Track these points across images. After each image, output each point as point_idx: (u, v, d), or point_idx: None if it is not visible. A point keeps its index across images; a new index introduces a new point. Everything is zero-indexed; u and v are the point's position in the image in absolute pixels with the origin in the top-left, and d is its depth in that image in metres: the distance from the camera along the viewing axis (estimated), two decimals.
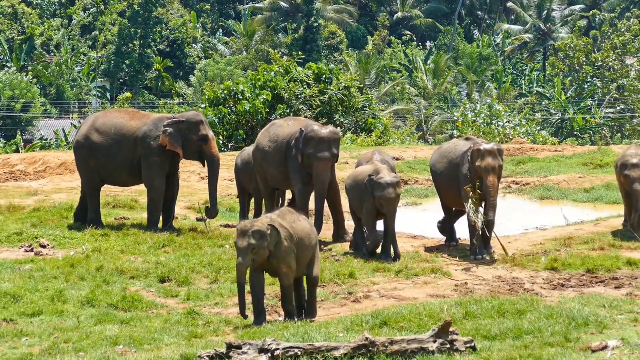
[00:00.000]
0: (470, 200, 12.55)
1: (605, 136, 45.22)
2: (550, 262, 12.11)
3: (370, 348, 8.08)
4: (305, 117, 27.95)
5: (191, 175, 19.59)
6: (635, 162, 13.43)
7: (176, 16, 65.39)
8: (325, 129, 13.53)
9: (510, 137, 31.44)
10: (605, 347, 8.11)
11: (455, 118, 36.78)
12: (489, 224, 12.66)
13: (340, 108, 28.78)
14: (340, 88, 28.71)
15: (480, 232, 12.58)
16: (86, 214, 14.02)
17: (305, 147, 13.38)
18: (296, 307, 9.81)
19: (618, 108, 49.18)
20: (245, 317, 9.52)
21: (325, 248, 13.23)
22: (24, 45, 57.78)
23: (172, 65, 61.23)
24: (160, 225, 13.89)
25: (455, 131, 37.61)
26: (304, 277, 9.93)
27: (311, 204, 13.78)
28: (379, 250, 12.70)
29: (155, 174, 13.81)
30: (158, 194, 13.78)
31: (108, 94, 60.74)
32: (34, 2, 65.27)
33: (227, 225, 14.35)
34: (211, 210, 13.93)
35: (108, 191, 15.17)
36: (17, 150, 39.54)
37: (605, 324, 8.96)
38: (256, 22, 63.71)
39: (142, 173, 13.88)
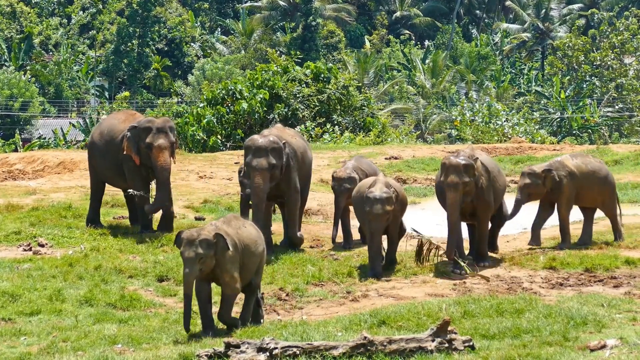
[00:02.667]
0: None
1: (603, 135, 45.21)
2: (549, 261, 12.11)
3: (368, 347, 8.08)
4: (304, 116, 28.00)
5: (190, 175, 19.58)
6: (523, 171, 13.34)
7: (174, 15, 65.37)
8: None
9: (509, 136, 31.45)
10: (604, 347, 8.11)
11: (454, 117, 36.79)
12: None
13: (339, 107, 28.78)
14: (339, 87, 28.71)
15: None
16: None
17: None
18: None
19: (617, 107, 49.20)
20: (188, 330, 9.10)
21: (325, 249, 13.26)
22: (22, 44, 57.78)
23: (171, 64, 61.22)
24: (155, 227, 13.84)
25: (453, 130, 37.63)
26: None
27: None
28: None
29: (134, 178, 13.68)
30: (142, 199, 13.67)
31: (107, 93, 60.73)
32: (33, 1, 65.27)
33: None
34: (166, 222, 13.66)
35: (107, 191, 15.11)
36: (15, 150, 39.54)
37: (603, 323, 8.96)
38: (254, 21, 63.69)
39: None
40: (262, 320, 9.72)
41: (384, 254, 12.30)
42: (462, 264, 11.78)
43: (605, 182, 13.29)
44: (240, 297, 9.67)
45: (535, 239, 13.20)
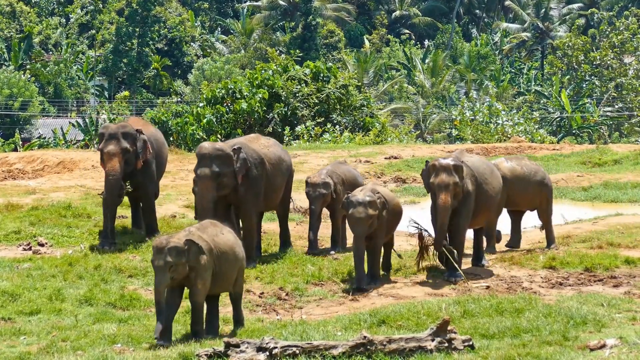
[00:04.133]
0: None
1: (603, 135, 45.23)
2: (549, 260, 12.11)
3: (368, 347, 8.07)
4: (303, 115, 28.00)
5: (190, 174, 19.57)
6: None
7: (174, 15, 65.38)
8: None
9: (509, 135, 31.45)
10: (603, 346, 8.11)
11: (454, 117, 36.79)
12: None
13: (338, 107, 28.79)
14: (338, 87, 28.71)
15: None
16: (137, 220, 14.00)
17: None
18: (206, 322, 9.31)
19: (616, 107, 49.20)
20: (159, 339, 8.86)
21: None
22: (22, 43, 57.77)
23: (170, 64, 61.22)
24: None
25: (453, 130, 37.63)
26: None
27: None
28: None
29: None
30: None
31: (106, 93, 60.74)
32: (32, 1, 65.27)
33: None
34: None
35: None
36: (15, 149, 39.54)
37: (603, 322, 8.96)
38: (254, 21, 63.71)
39: None
40: (217, 332, 9.35)
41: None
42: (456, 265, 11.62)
43: (541, 186, 13.08)
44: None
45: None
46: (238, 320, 9.54)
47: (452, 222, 11.67)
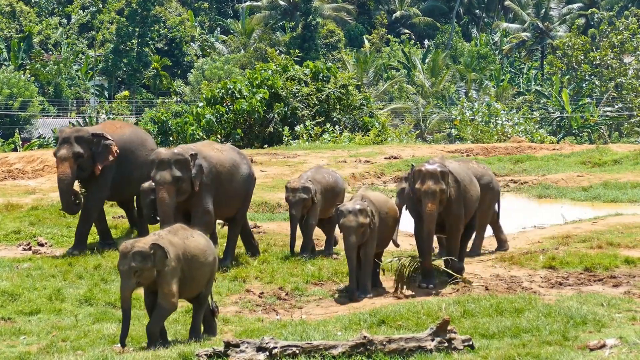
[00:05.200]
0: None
1: (603, 135, 45.24)
2: (549, 260, 12.10)
3: (368, 347, 8.07)
4: (303, 115, 27.99)
5: None
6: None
7: (174, 15, 65.38)
8: None
9: (509, 135, 31.45)
10: (603, 346, 8.11)
11: (454, 117, 36.79)
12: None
13: (338, 106, 28.79)
14: (338, 86, 28.72)
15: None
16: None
17: None
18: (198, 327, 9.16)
19: (616, 107, 49.21)
20: (124, 345, 8.72)
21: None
22: (22, 43, 57.78)
23: (170, 63, 61.23)
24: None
25: (453, 130, 37.63)
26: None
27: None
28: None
29: None
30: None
31: (106, 93, 60.74)
32: (32, 1, 65.26)
33: (225, 224, 14.34)
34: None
35: None
36: (15, 149, 39.55)
37: (603, 322, 8.96)
38: (254, 21, 63.70)
39: None
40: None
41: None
42: (447, 271, 11.41)
43: (486, 189, 12.67)
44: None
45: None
46: (194, 325, 9.21)
47: (441, 229, 11.40)
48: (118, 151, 12.88)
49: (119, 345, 8.85)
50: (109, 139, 12.82)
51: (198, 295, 9.11)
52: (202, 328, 9.26)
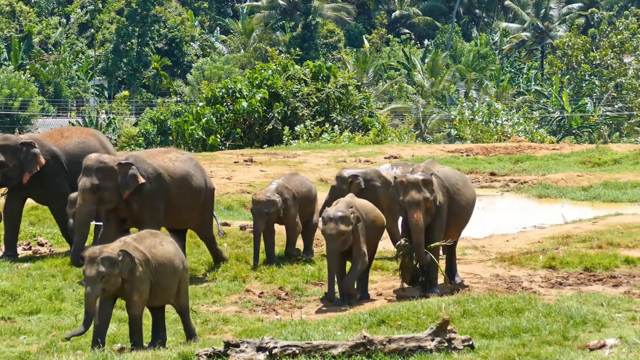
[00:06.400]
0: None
1: (603, 134, 45.24)
2: (548, 260, 12.10)
3: (368, 347, 8.07)
4: (303, 115, 28.01)
5: None
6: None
7: (174, 14, 65.36)
8: None
9: (508, 135, 31.47)
10: (603, 346, 8.10)
11: (453, 117, 36.81)
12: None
13: (338, 106, 28.81)
14: (338, 86, 28.73)
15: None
16: None
17: None
18: (152, 336, 9.00)
19: (616, 106, 49.22)
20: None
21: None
22: (22, 43, 57.77)
23: (170, 63, 61.22)
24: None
25: (453, 130, 37.64)
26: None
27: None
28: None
29: None
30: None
31: (106, 93, 60.73)
32: (32, 1, 65.25)
33: (225, 224, 14.33)
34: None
35: None
36: None
37: (603, 322, 8.96)
38: (254, 21, 63.70)
39: None
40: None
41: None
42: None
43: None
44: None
45: None
46: (189, 333, 9.12)
47: (427, 238, 10.95)
48: (43, 161, 12.47)
49: (119, 345, 8.85)
50: (36, 148, 12.46)
51: (178, 305, 8.97)
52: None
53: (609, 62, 50.71)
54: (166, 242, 8.92)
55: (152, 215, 11.44)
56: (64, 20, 65.00)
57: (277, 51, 39.27)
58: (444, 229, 11.12)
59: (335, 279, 10.80)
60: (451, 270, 11.54)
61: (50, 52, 59.83)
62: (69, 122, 47.31)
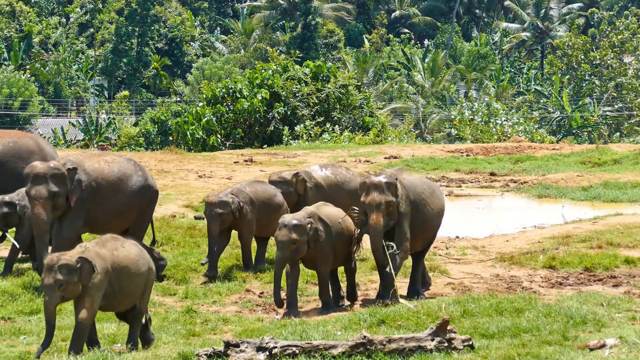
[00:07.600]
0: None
1: (603, 134, 45.25)
2: (549, 260, 12.11)
3: (368, 346, 8.07)
4: (303, 115, 28.01)
5: (189, 174, 19.59)
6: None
7: (174, 14, 65.36)
8: None
9: (508, 135, 31.47)
10: (603, 346, 8.11)
11: (453, 117, 36.82)
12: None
13: (338, 106, 28.82)
14: (338, 86, 28.74)
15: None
16: None
17: None
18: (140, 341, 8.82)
19: (616, 106, 49.23)
20: (38, 357, 8.28)
21: None
22: (22, 43, 57.77)
23: (170, 63, 61.23)
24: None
25: (453, 130, 37.66)
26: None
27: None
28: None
29: None
30: None
31: (106, 93, 60.75)
32: (32, 1, 65.25)
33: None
34: None
35: None
36: None
37: (603, 322, 8.96)
38: (254, 21, 63.70)
39: None
40: (152, 341, 8.92)
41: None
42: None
43: (353, 195, 12.01)
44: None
45: None
46: (133, 339, 8.84)
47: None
48: None
49: (119, 345, 8.85)
50: None
51: (133, 308, 8.75)
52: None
53: (609, 62, 50.73)
54: (128, 245, 8.72)
55: (70, 228, 11.19)
56: (64, 20, 65.01)
57: (277, 51, 39.26)
58: (407, 239, 10.73)
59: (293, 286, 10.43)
60: (415, 284, 11.11)
61: (50, 52, 59.84)
62: (69, 122, 47.31)
